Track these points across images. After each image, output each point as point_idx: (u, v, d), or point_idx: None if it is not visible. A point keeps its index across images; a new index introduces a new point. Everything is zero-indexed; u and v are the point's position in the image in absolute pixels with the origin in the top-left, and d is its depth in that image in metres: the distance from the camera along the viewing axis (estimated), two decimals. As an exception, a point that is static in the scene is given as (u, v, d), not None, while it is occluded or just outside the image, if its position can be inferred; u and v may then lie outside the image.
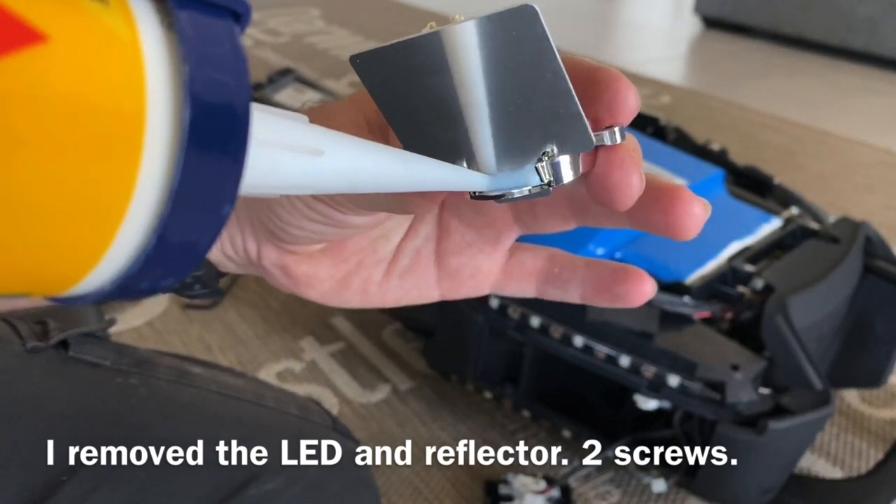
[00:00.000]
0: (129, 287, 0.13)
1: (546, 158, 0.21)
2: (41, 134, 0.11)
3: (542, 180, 0.21)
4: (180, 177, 0.12)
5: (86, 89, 0.11)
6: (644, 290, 0.26)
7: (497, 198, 0.22)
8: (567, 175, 0.21)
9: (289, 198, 0.24)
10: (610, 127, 0.21)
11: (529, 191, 0.21)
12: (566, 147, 0.20)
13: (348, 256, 0.28)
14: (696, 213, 0.22)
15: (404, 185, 0.19)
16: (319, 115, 0.26)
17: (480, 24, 0.18)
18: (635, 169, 0.21)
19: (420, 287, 0.29)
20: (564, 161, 0.21)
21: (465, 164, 0.21)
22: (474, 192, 0.22)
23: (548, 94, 0.19)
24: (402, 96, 0.20)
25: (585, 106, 0.20)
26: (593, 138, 0.20)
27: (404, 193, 0.21)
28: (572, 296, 0.27)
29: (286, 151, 0.15)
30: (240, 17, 0.14)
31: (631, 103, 0.20)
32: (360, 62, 0.20)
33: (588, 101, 0.20)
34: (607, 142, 0.21)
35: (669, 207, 0.22)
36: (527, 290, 0.28)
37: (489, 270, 0.28)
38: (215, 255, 0.29)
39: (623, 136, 0.21)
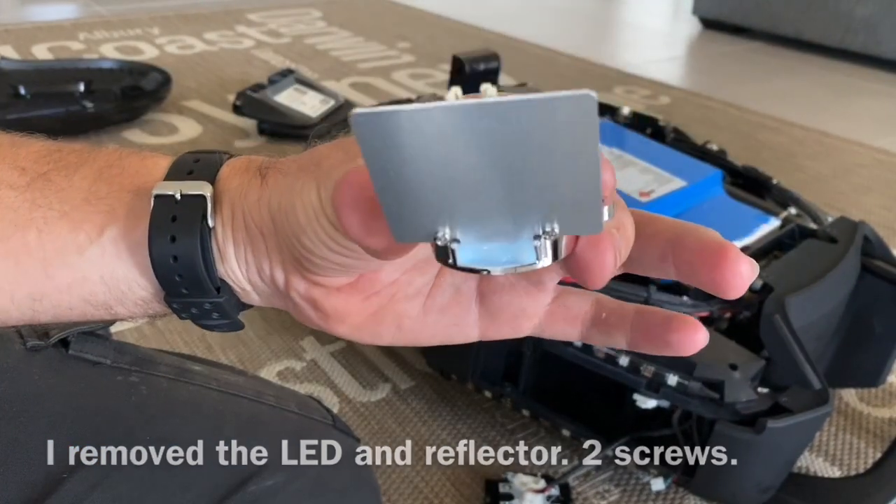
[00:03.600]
0: None
1: (546, 237, 0.20)
2: None
3: (537, 258, 0.20)
4: None
5: None
6: (696, 339, 0.25)
7: (479, 271, 0.21)
8: (561, 254, 0.21)
9: (312, 227, 0.24)
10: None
11: (516, 268, 0.20)
12: (569, 227, 0.20)
13: (380, 289, 0.27)
14: (742, 273, 0.21)
15: None
16: (310, 161, 0.25)
17: (531, 103, 0.16)
18: (610, 248, 0.21)
19: (460, 325, 0.28)
20: (562, 240, 0.20)
21: (447, 232, 0.20)
22: (453, 262, 0.21)
23: (573, 176, 0.18)
24: (400, 161, 0.18)
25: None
26: (603, 225, 0.20)
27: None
28: (618, 341, 0.26)
29: None
30: None
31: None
32: (362, 121, 0.17)
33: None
34: None
35: (716, 267, 0.22)
36: (571, 333, 0.27)
37: (533, 312, 0.27)
38: (242, 282, 0.28)
39: (611, 215, 0.21)
